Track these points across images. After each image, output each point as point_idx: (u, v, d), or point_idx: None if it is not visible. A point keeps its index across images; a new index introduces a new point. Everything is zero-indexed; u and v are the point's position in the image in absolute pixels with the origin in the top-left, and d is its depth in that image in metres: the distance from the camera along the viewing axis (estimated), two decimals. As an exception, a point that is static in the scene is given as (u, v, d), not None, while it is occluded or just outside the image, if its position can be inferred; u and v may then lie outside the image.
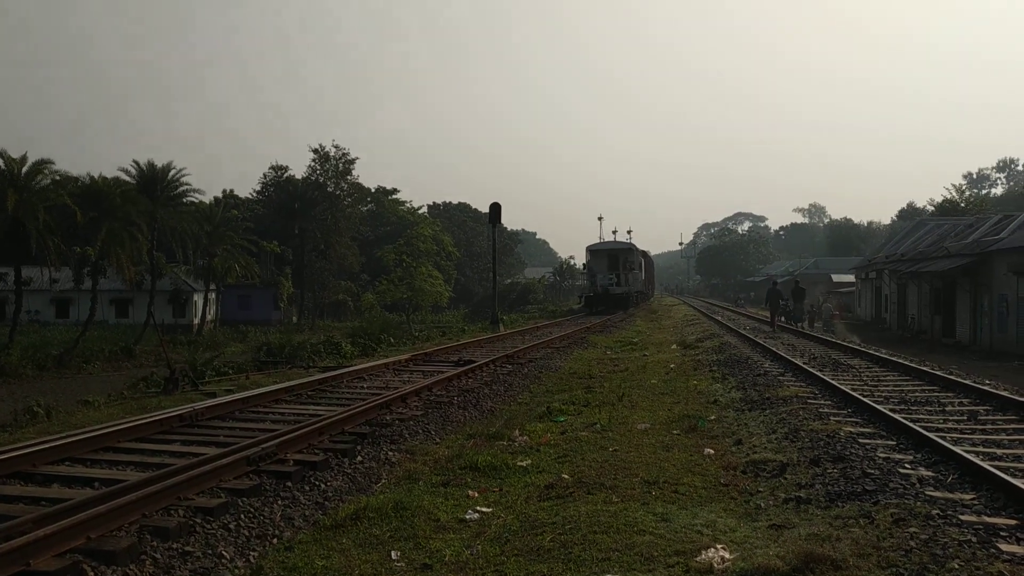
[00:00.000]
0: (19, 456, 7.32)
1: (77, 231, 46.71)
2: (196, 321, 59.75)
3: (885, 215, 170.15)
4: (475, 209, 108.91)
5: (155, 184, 51.57)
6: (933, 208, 72.13)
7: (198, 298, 61.23)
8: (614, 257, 50.40)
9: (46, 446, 7.71)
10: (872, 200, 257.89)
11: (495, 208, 35.49)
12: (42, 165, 42.95)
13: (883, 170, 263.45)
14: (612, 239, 60.90)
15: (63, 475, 7.18)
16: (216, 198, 69.49)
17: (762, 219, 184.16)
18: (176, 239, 54.05)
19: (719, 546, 5.57)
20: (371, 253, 75.82)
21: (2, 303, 57.44)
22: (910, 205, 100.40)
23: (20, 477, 7.11)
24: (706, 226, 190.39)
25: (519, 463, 8.60)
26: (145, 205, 48.97)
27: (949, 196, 70.56)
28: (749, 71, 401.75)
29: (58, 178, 44.68)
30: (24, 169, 41.95)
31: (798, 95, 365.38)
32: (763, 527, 6.18)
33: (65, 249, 46.81)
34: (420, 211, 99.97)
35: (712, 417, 11.36)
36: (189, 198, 55.89)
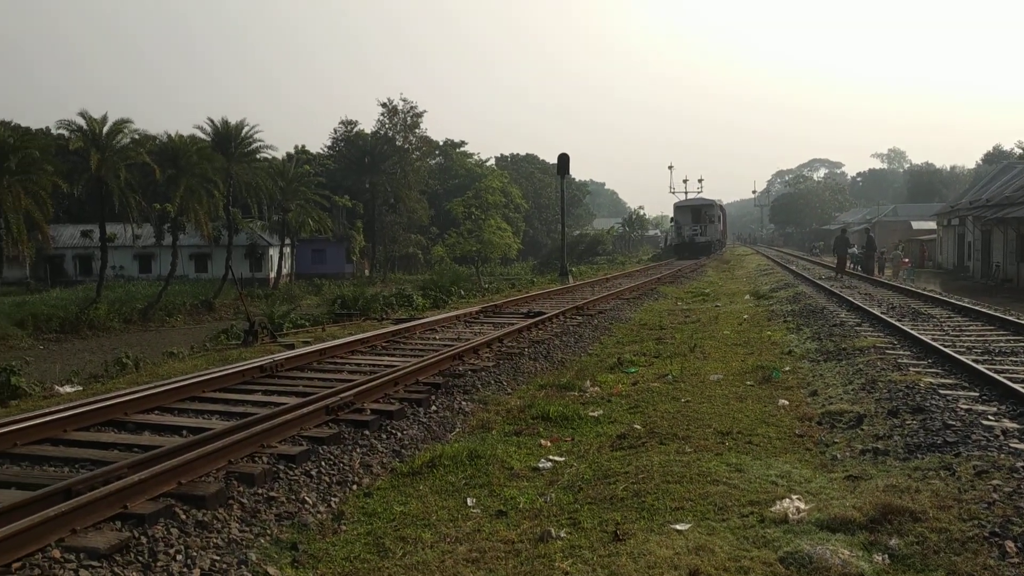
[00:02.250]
0: (112, 405, 7.66)
1: (156, 188, 48.17)
2: (272, 275, 61.18)
3: (970, 159, 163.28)
4: (543, 160, 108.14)
5: (229, 141, 52.50)
6: (1022, 151, 68.74)
7: (274, 252, 62.54)
8: (697, 211, 61.15)
9: (136, 396, 8.05)
10: (956, 144, 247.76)
11: (563, 159, 35.12)
12: (122, 124, 44.26)
13: (968, 113, 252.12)
14: (683, 188, 74.60)
15: (153, 423, 7.50)
16: (288, 154, 70.48)
17: (838, 165, 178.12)
18: (251, 195, 55.14)
19: (794, 497, 5.54)
20: (440, 206, 76.11)
21: (89, 259, 59.68)
22: (996, 148, 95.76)
23: (114, 425, 7.45)
24: (780, 173, 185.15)
25: (591, 413, 8.66)
26: (220, 162, 50.04)
27: (1040, 138, 67.10)
28: (831, 13, 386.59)
29: (137, 137, 46.06)
30: (105, 129, 43.23)
31: (883, 38, 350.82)
32: (839, 478, 6.13)
33: (145, 206, 48.39)
34: (488, 163, 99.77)
35: (786, 368, 11.21)
36: (262, 154, 56.82)
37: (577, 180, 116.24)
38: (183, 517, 5.10)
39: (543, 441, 7.56)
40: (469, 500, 5.91)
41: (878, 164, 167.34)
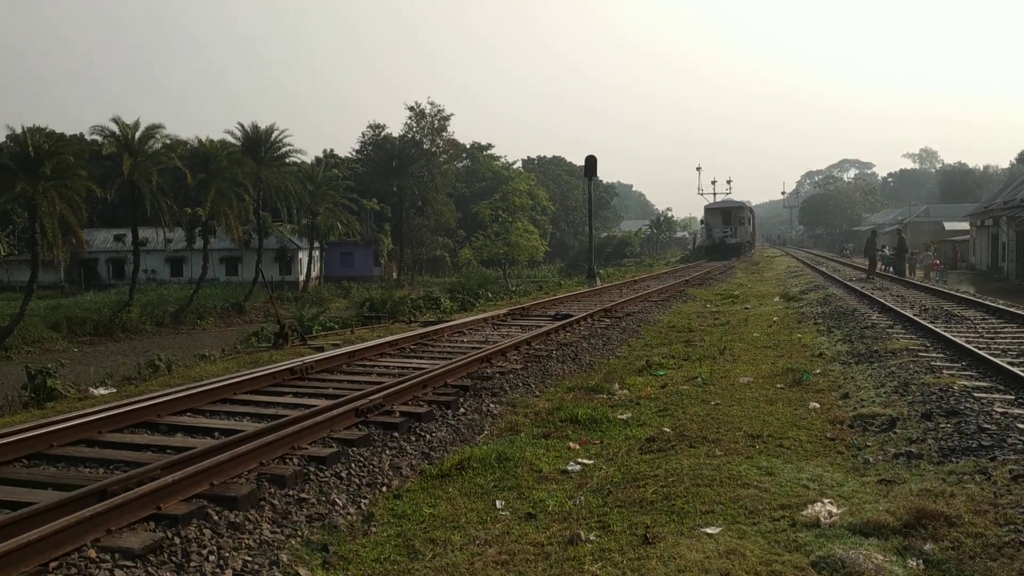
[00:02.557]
0: (145, 407, 7.76)
1: (188, 192, 48.72)
2: (301, 278, 61.60)
3: (1003, 158, 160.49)
4: (570, 163, 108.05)
5: (259, 145, 53.02)
6: (1058, 150, 67.52)
7: (303, 256, 62.99)
8: (727, 213, 62.92)
9: (169, 398, 8.14)
10: (989, 144, 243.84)
11: (590, 161, 35.05)
12: (153, 130, 44.82)
13: (1001, 112, 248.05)
14: (712, 189, 76.57)
15: (185, 425, 7.58)
16: (317, 158, 71.00)
17: (869, 166, 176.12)
18: (280, 198, 55.59)
19: (826, 500, 5.49)
20: (467, 209, 76.34)
21: (121, 263, 60.53)
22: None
23: (147, 426, 7.54)
24: (810, 174, 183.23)
25: (619, 416, 8.63)
26: (250, 166, 50.52)
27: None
28: (862, 11, 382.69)
29: (168, 142, 46.56)
30: (137, 134, 43.82)
31: (915, 37, 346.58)
32: (872, 482, 6.06)
33: (177, 210, 48.92)
34: (515, 166, 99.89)
35: (817, 371, 11.11)
36: (292, 158, 57.31)
37: (604, 182, 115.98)
38: (215, 518, 5.16)
39: (572, 444, 7.55)
40: (498, 503, 5.92)
41: (909, 164, 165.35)
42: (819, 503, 5.42)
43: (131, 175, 42.18)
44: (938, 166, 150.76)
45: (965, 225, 59.02)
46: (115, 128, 43.42)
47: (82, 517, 4.56)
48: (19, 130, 38.38)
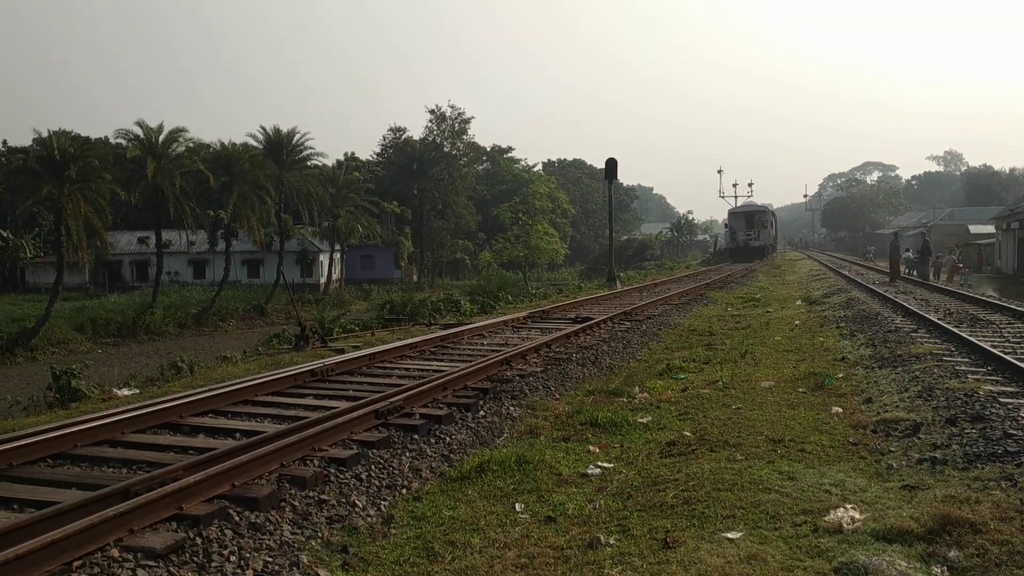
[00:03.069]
0: (168, 408, 7.82)
1: (210, 195, 49.12)
2: (322, 280, 61.93)
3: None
4: (590, 165, 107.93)
5: (281, 148, 53.42)
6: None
7: (324, 258, 63.31)
8: (751, 217, 64.66)
9: (191, 399, 8.21)
10: (1015, 146, 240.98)
11: (611, 164, 35.01)
12: (177, 133, 45.26)
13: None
14: (733, 192, 78.46)
15: (207, 426, 7.63)
16: (338, 161, 71.39)
17: (892, 168, 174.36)
18: (302, 201, 55.94)
19: (849, 506, 5.43)
20: (487, 212, 76.40)
21: (145, 265, 61.09)
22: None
23: (169, 427, 7.60)
24: (832, 177, 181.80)
25: (640, 420, 8.60)
26: (272, 169, 50.88)
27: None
28: (883, 11, 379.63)
29: (191, 145, 46.97)
30: (161, 138, 44.25)
31: (936, 38, 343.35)
32: (895, 488, 5.99)
33: (200, 213, 49.35)
34: (535, 168, 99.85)
35: (840, 375, 11.01)
36: (313, 161, 57.67)
37: (625, 185, 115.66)
38: (236, 519, 5.18)
39: (592, 447, 7.53)
40: (518, 505, 5.91)
41: (933, 167, 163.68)
42: (842, 508, 5.37)
43: (155, 178, 42.60)
44: (963, 169, 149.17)
45: (990, 228, 58.36)
46: (139, 131, 43.90)
47: (105, 517, 4.60)
48: (45, 133, 38.91)
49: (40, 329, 34.50)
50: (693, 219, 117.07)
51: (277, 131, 54.05)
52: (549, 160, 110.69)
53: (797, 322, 18.15)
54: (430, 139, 76.08)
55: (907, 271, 35.41)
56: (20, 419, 10.36)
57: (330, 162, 65.99)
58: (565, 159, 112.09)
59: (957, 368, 10.22)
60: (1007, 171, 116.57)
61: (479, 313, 23.38)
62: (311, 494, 5.80)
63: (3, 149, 69.92)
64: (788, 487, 5.99)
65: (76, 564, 4.33)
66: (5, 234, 59.28)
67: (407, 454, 7.01)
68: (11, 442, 6.37)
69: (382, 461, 6.70)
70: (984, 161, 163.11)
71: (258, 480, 5.80)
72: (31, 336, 34.03)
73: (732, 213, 67.81)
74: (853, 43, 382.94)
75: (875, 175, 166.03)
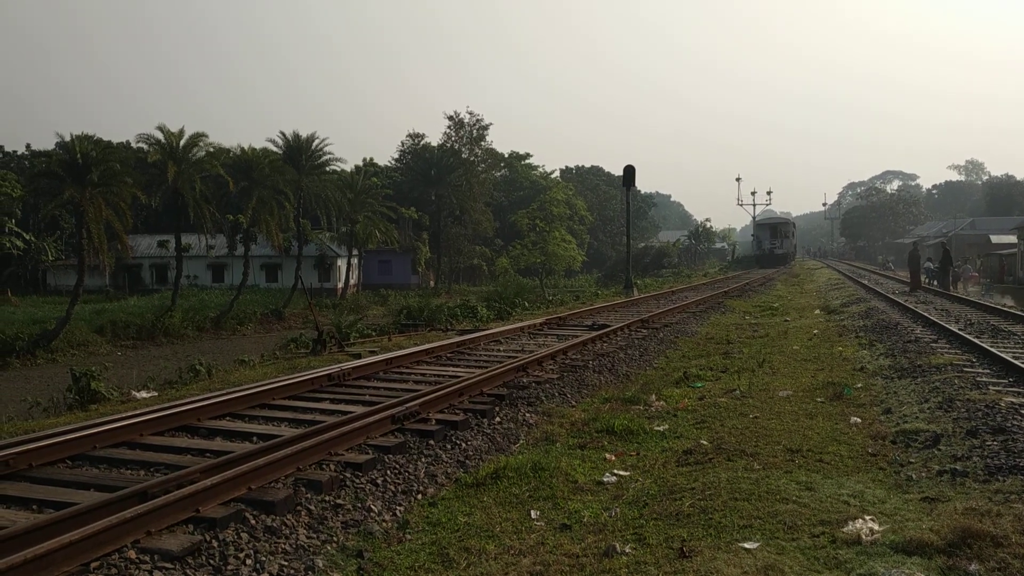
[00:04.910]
0: (186, 411, 7.86)
1: (230, 200, 49.43)
2: (340, 285, 62.14)
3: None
4: (608, 172, 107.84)
5: (300, 154, 53.61)
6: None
7: (342, 263, 63.53)
8: (774, 228, 75.47)
9: (209, 402, 8.25)
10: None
11: (629, 171, 34.92)
12: (197, 138, 45.60)
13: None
14: (751, 200, 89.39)
15: (224, 429, 7.66)
16: (357, 166, 71.60)
17: (913, 177, 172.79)
18: (320, 206, 56.15)
19: (867, 517, 5.38)
20: (505, 218, 76.49)
21: (165, 268, 61.61)
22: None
23: (187, 430, 7.64)
24: (852, 185, 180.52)
25: (656, 428, 8.57)
26: (291, 174, 51.10)
27: None
28: (909, 16, 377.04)
29: (212, 150, 47.29)
30: (182, 143, 44.60)
31: (962, 40, 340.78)
32: (915, 499, 5.93)
33: (219, 217, 49.70)
34: (553, 175, 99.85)
35: (858, 385, 10.93)
36: (332, 167, 57.84)
37: (643, 192, 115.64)
38: (253, 522, 5.20)
39: (608, 455, 7.51)
40: (533, 512, 5.90)
41: (955, 176, 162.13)
42: (860, 520, 5.32)
43: (175, 182, 42.93)
44: (985, 178, 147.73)
45: (1012, 238, 57.76)
46: (160, 136, 44.29)
47: (123, 518, 4.63)
48: (68, 138, 39.31)
49: (60, 331, 34.82)
50: (711, 227, 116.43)
51: (296, 136, 54.32)
52: (567, 167, 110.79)
53: (815, 331, 18.03)
54: (448, 145, 76.26)
55: (927, 281, 35.14)
56: (40, 420, 10.46)
57: (349, 167, 66.31)
58: (583, 166, 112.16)
59: (978, 379, 10.12)
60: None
61: (496, 319, 23.38)
62: (327, 498, 5.81)
63: (26, 153, 70.85)
64: (806, 497, 5.95)
65: (94, 565, 4.36)
66: (28, 236, 60.00)
67: (423, 459, 7.01)
68: (31, 443, 6.43)
69: (398, 466, 6.70)
70: (1006, 171, 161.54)
71: (274, 484, 5.82)
72: (52, 338, 34.35)
73: (758, 224, 79.85)
74: (873, 55, 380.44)
75: (895, 184, 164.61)
